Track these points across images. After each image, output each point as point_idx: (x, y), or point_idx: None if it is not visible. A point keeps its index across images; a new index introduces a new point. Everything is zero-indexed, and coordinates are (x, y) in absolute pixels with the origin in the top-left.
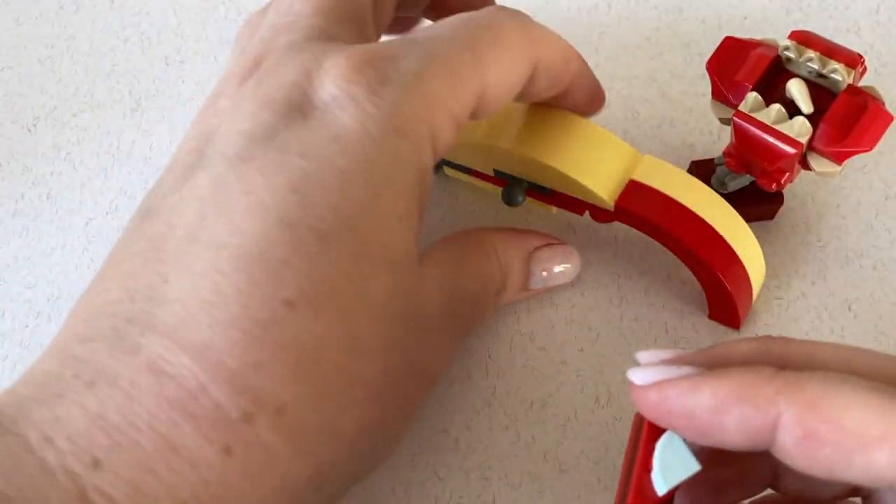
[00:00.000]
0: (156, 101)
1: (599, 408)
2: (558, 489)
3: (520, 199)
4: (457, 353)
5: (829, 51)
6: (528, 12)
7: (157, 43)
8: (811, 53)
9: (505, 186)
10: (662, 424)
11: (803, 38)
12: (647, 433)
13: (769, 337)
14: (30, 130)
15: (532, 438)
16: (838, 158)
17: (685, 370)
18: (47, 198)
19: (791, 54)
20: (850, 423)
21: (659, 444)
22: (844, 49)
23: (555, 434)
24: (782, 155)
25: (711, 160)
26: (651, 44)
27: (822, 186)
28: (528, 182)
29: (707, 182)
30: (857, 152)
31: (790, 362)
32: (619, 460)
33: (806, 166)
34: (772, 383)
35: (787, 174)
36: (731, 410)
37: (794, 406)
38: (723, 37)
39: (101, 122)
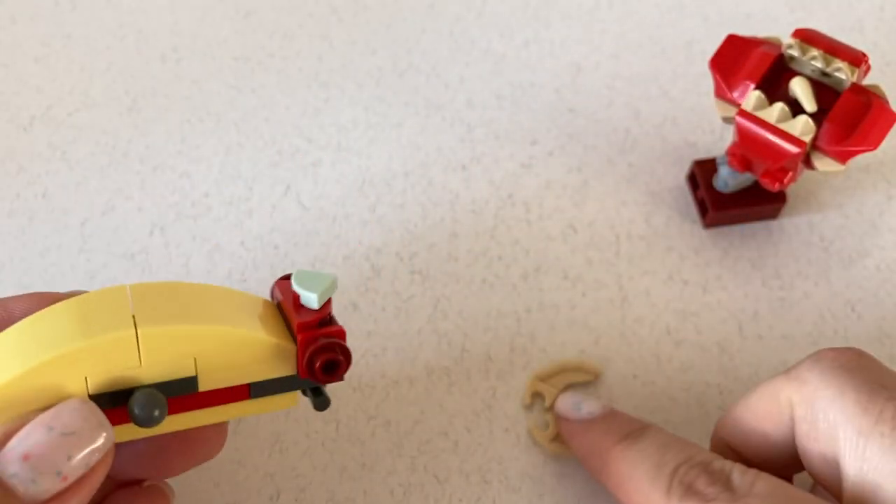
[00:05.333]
0: (152, 99)
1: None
2: (559, 493)
3: (157, 413)
4: (456, 355)
5: (833, 49)
6: (529, 7)
7: (154, 41)
8: (815, 52)
9: (130, 408)
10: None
11: (807, 37)
12: (282, 291)
13: None
14: (25, 129)
15: (533, 441)
16: (842, 158)
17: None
18: (43, 197)
19: (794, 52)
20: (747, 422)
21: (293, 281)
22: (848, 47)
23: None
24: (785, 154)
25: (713, 159)
26: (653, 42)
27: (825, 186)
28: (160, 385)
29: (709, 181)
30: (861, 151)
31: None
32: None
33: (809, 165)
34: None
35: (791, 173)
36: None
37: (724, 436)
38: (725, 35)
39: (96, 121)
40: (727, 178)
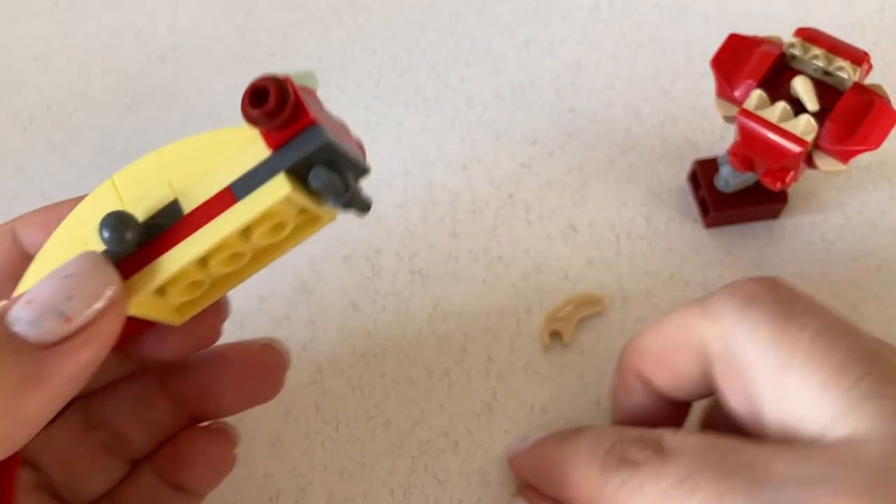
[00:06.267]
0: (152, 99)
1: (601, 411)
2: None
3: (129, 235)
4: (456, 355)
5: (835, 48)
6: (529, 7)
7: (154, 41)
8: (816, 51)
9: (113, 227)
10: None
11: (809, 36)
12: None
13: None
14: (24, 129)
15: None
16: (844, 157)
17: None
18: (42, 197)
19: (796, 52)
20: (653, 350)
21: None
22: (850, 46)
23: None
24: (787, 153)
25: (715, 159)
26: (653, 41)
27: (826, 185)
28: (150, 225)
29: (710, 181)
30: (863, 151)
31: None
32: None
33: (811, 165)
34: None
35: (792, 173)
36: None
37: (636, 364)
38: (726, 34)
39: (96, 120)
40: (728, 178)
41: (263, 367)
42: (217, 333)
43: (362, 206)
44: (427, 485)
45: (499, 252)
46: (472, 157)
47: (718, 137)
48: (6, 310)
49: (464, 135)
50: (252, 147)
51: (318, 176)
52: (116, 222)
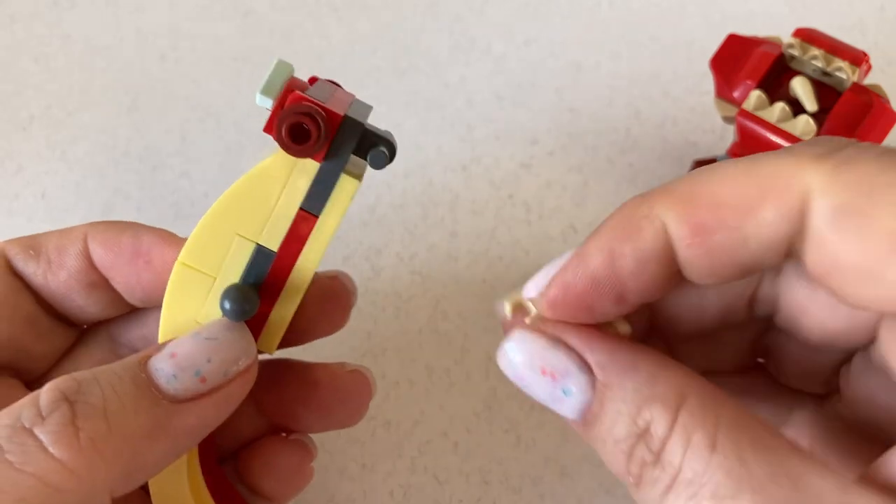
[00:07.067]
0: (152, 99)
1: None
2: (559, 493)
3: (248, 307)
4: (456, 355)
5: (834, 48)
6: (529, 7)
7: (153, 40)
8: (815, 51)
9: (232, 300)
10: (570, 314)
11: (807, 36)
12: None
13: None
14: (24, 129)
15: (533, 441)
16: None
17: (562, 259)
18: (42, 197)
19: (795, 52)
20: (726, 197)
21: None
22: (849, 47)
23: (555, 437)
24: None
25: (714, 159)
26: (653, 42)
27: None
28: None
29: None
30: None
31: None
32: None
33: None
34: (642, 205)
35: None
36: (624, 253)
37: (671, 208)
38: (726, 34)
39: (96, 120)
40: None
41: (349, 393)
42: (345, 319)
43: (382, 159)
44: (427, 485)
45: (499, 252)
46: (472, 157)
47: (718, 137)
48: (148, 357)
49: (464, 135)
50: (298, 166)
51: (377, 159)
52: (236, 295)
